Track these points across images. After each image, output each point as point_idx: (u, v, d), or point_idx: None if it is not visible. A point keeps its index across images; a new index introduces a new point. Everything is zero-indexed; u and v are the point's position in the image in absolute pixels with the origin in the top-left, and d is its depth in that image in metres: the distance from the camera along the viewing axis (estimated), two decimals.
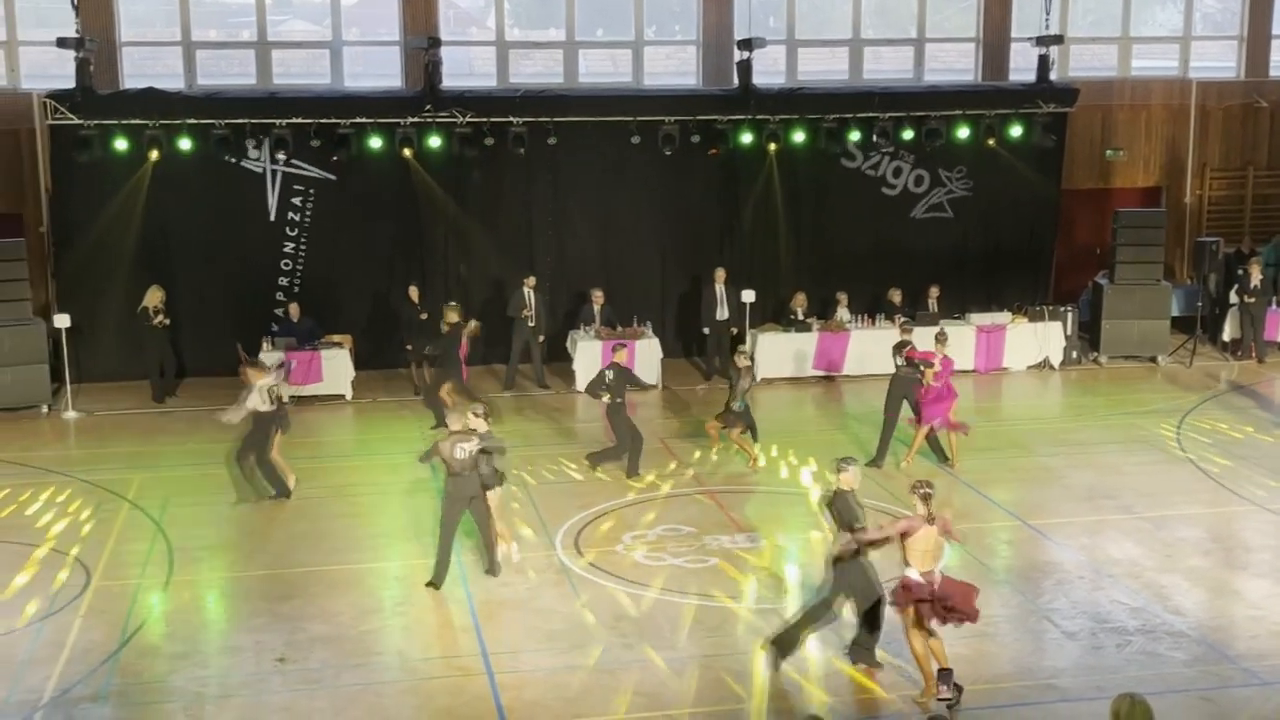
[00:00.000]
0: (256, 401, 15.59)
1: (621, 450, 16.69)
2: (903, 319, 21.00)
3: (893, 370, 17.40)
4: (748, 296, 21.54)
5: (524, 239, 22.64)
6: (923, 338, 21.36)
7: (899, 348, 17.37)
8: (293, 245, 21.96)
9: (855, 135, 22.43)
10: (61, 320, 19.84)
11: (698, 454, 17.52)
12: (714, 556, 14.05)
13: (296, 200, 21.86)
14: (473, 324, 18.79)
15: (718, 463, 17.22)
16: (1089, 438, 18.54)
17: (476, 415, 13.37)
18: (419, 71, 21.91)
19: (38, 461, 17.54)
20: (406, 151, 21.19)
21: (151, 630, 12.34)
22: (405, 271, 21.98)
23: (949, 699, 7.63)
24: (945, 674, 7.54)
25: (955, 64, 25.18)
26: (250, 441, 15.75)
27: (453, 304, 19.22)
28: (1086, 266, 24.61)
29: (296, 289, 21.86)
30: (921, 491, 10.89)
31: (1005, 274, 23.95)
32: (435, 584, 13.07)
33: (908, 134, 22.58)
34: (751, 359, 18.70)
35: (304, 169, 21.74)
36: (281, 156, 21.31)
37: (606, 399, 16.66)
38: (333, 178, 21.81)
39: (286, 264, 21.96)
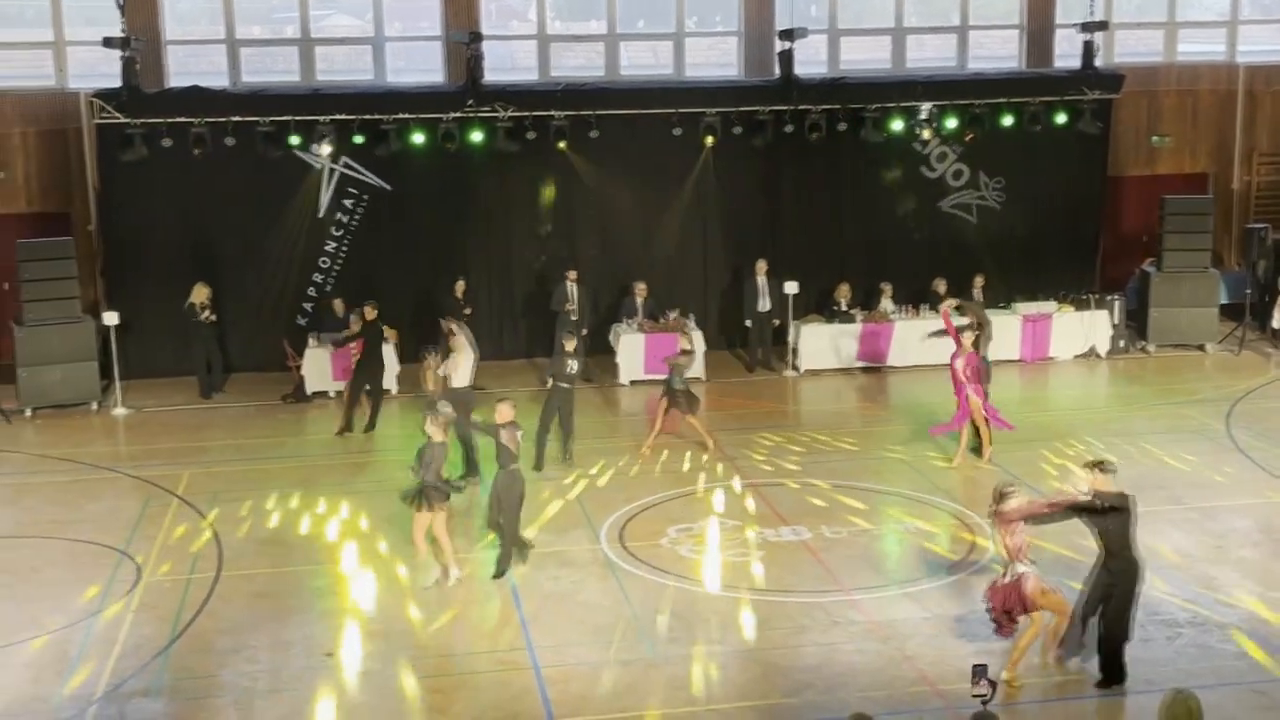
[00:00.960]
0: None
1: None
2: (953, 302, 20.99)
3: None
4: (790, 288, 21.48)
5: (566, 232, 22.67)
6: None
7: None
8: (335, 244, 22.07)
9: (898, 124, 22.30)
10: (110, 318, 20.03)
11: (665, 453, 17.46)
12: (759, 549, 14.05)
13: (348, 202, 21.98)
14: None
15: (763, 457, 17.16)
16: (1136, 427, 18.39)
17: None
18: (461, 66, 21.96)
19: (88, 458, 17.74)
20: (449, 146, 21.26)
21: (202, 625, 12.47)
22: (449, 266, 22.05)
23: (984, 694, 7.58)
24: (980, 669, 7.50)
25: (999, 51, 24.97)
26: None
27: (371, 302, 19.10)
28: (1133, 254, 24.36)
29: (329, 286, 21.99)
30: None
31: (1051, 263, 23.72)
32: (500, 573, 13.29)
33: (951, 122, 22.44)
34: (691, 340, 18.73)
35: (361, 173, 21.88)
36: (344, 159, 21.51)
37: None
38: (388, 187, 21.95)
39: (324, 261, 22.08)
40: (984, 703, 7.62)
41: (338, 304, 20.71)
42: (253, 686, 11.17)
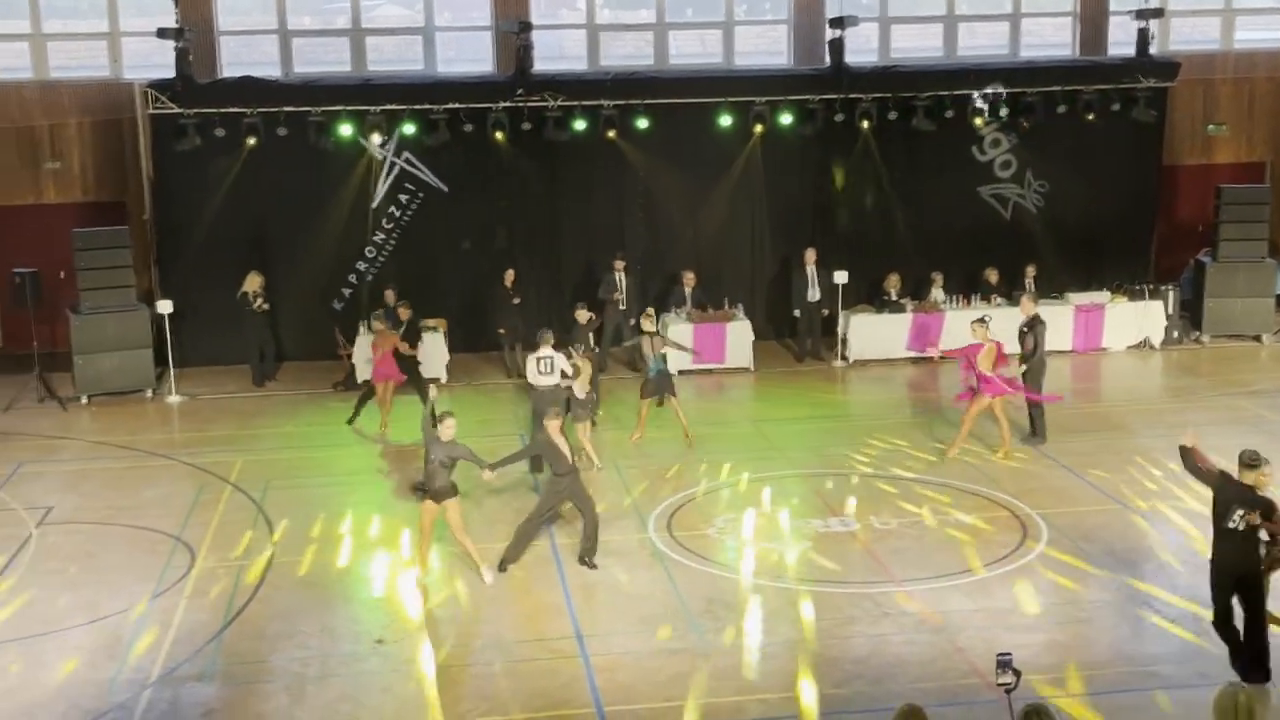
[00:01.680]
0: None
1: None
2: (999, 300, 20.87)
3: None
4: (840, 278, 21.39)
5: (614, 222, 22.67)
6: (1015, 318, 21.18)
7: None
8: (383, 235, 22.17)
9: (949, 113, 22.13)
10: (164, 306, 20.23)
11: (636, 435, 17.47)
12: (808, 540, 14.02)
13: (403, 197, 22.08)
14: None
15: (815, 447, 17.10)
16: (1191, 419, 18.11)
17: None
18: (510, 56, 22.01)
19: (143, 445, 17.93)
20: (498, 135, 21.31)
21: (254, 611, 12.59)
22: (499, 256, 22.13)
23: (1008, 684, 7.53)
24: (1005, 659, 7.45)
25: (1052, 39, 24.75)
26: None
27: (404, 302, 19.24)
28: (1188, 244, 24.09)
29: (371, 275, 22.10)
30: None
31: (1104, 252, 23.50)
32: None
33: (1005, 110, 22.25)
34: (658, 322, 18.60)
35: (420, 170, 22.00)
36: (405, 154, 21.70)
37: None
38: (444, 189, 22.06)
39: (370, 251, 22.19)
40: (1008, 691, 7.57)
41: (389, 294, 20.78)
42: (303, 672, 11.26)
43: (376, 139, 21.36)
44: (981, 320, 17.04)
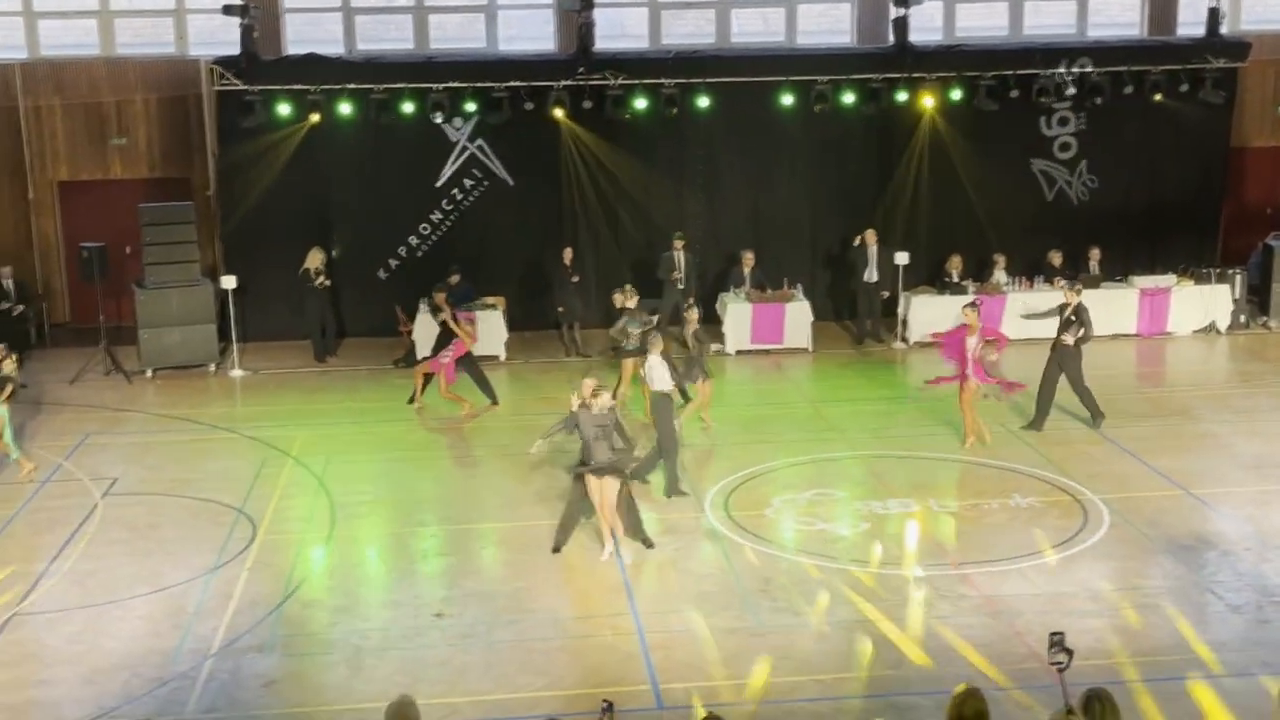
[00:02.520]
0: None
1: None
2: (1064, 281, 20.59)
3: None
4: (901, 259, 21.25)
5: (674, 201, 22.64)
6: (1084, 300, 20.89)
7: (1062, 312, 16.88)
8: (441, 215, 22.25)
9: (1014, 93, 21.89)
10: (228, 281, 20.43)
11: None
12: (865, 521, 13.96)
13: (468, 182, 22.20)
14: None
15: (873, 428, 17.01)
16: (1257, 405, 17.94)
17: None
18: (572, 34, 22.00)
19: (206, 418, 18.14)
20: (559, 114, 21.32)
21: (314, 584, 12.72)
22: (558, 234, 22.16)
23: (1060, 662, 7.45)
24: (1058, 636, 7.37)
25: (1120, 18, 24.41)
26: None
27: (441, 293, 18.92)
28: (1257, 227, 23.71)
29: (422, 251, 22.24)
30: None
31: (1170, 235, 23.19)
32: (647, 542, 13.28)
33: (1070, 90, 21.97)
34: (637, 294, 18.20)
35: (490, 160, 22.10)
36: (480, 141, 21.87)
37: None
38: (510, 182, 22.14)
39: (425, 228, 22.27)
40: (1060, 670, 7.51)
41: (455, 277, 20.86)
42: (363, 644, 11.36)
43: (455, 122, 21.52)
44: (973, 305, 16.78)
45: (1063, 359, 16.76)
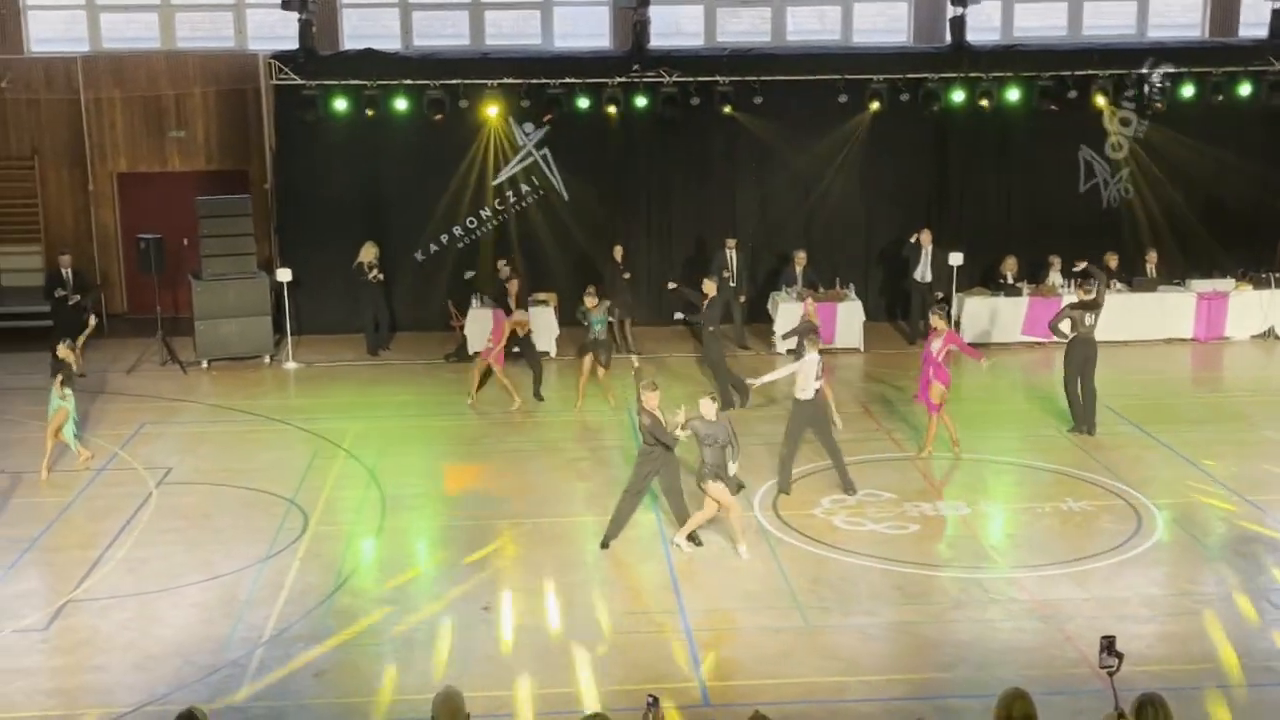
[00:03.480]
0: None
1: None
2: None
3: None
4: (956, 259, 21.11)
5: (727, 199, 22.61)
6: (1140, 304, 20.78)
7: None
8: (491, 212, 22.32)
9: (1072, 94, 21.69)
10: (283, 274, 20.60)
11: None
12: (915, 523, 13.89)
13: (525, 188, 22.32)
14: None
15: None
16: None
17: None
18: (627, 31, 22.03)
19: (260, 410, 18.30)
20: (612, 111, 21.34)
21: (364, 575, 12.81)
22: (609, 231, 22.20)
23: (1110, 667, 7.38)
24: (1108, 642, 7.30)
25: (1181, 19, 24.15)
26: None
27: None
28: None
29: (464, 243, 22.29)
30: None
31: (1229, 238, 22.90)
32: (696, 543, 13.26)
33: (1129, 92, 21.77)
34: (598, 296, 18.33)
35: (550, 171, 22.23)
36: (545, 151, 22.04)
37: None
38: (565, 196, 22.25)
39: (472, 221, 22.34)
40: (1110, 674, 7.44)
41: (504, 268, 20.95)
42: (411, 636, 11.43)
43: (526, 127, 21.84)
44: (940, 305, 16.57)
45: (1088, 355, 16.48)
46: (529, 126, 21.92)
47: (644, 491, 13.43)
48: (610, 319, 18.26)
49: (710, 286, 17.97)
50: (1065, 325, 16.52)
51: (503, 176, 22.20)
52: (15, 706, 10.23)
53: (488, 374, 18.16)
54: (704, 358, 18.37)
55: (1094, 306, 16.40)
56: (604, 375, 18.00)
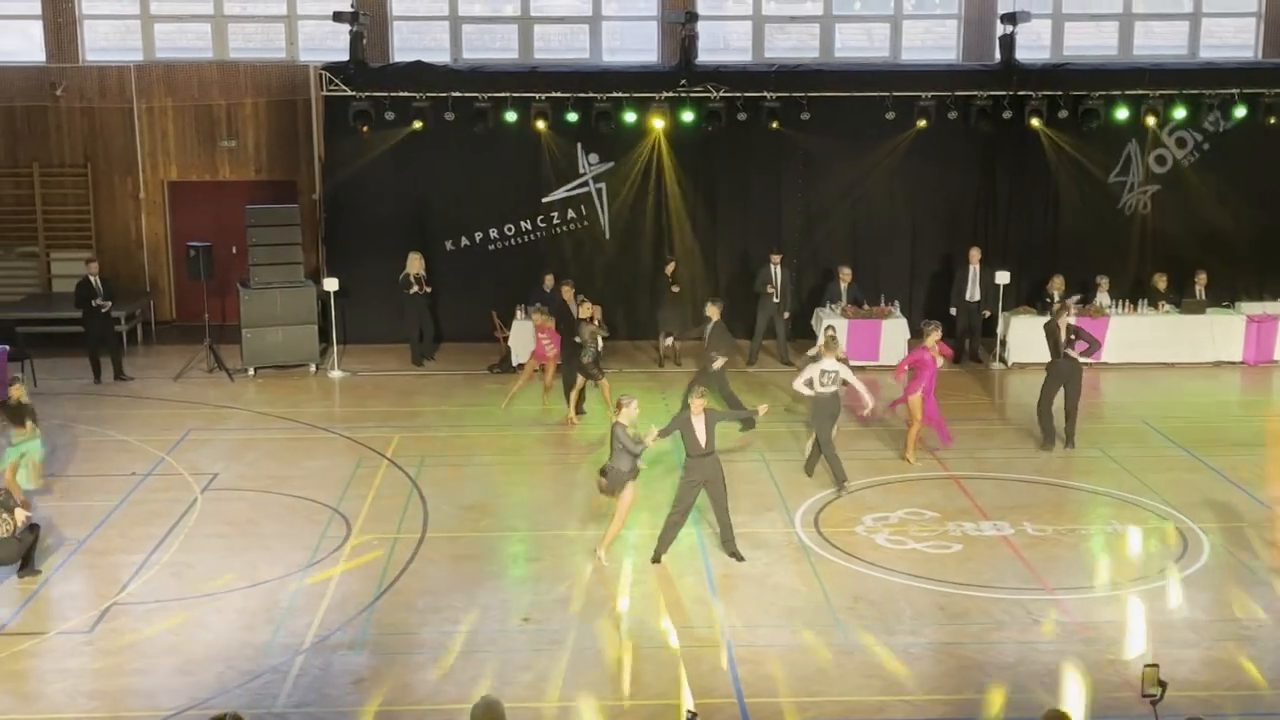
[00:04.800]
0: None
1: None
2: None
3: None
4: (1002, 278, 20.99)
5: (773, 214, 22.59)
6: (1189, 326, 20.60)
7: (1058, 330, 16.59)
8: (530, 226, 22.39)
9: (1123, 113, 21.57)
10: (330, 284, 20.74)
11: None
12: (958, 542, 13.80)
13: (571, 212, 22.45)
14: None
15: (968, 449, 16.79)
16: None
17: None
18: (675, 46, 22.09)
19: (305, 418, 18.42)
20: (659, 125, 21.38)
21: (405, 584, 12.85)
22: (659, 244, 22.25)
23: (1153, 695, 7.32)
24: (1152, 669, 7.23)
25: (1232, 40, 23.98)
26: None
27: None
28: None
29: (502, 245, 22.36)
30: None
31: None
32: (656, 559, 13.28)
33: (1179, 112, 21.62)
34: (589, 308, 18.37)
35: (600, 205, 22.40)
36: (599, 186, 22.24)
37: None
38: (608, 236, 22.38)
39: (509, 228, 22.43)
40: (1154, 702, 7.39)
41: (549, 279, 21.01)
42: (450, 646, 11.45)
43: (591, 157, 22.06)
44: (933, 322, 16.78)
45: (1071, 375, 16.45)
46: (594, 157, 22.05)
47: (689, 508, 13.40)
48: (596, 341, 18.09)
49: (713, 310, 17.87)
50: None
51: (554, 196, 22.29)
52: (58, 708, 10.33)
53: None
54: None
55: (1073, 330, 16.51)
56: (605, 386, 17.94)
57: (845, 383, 15.62)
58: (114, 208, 23.56)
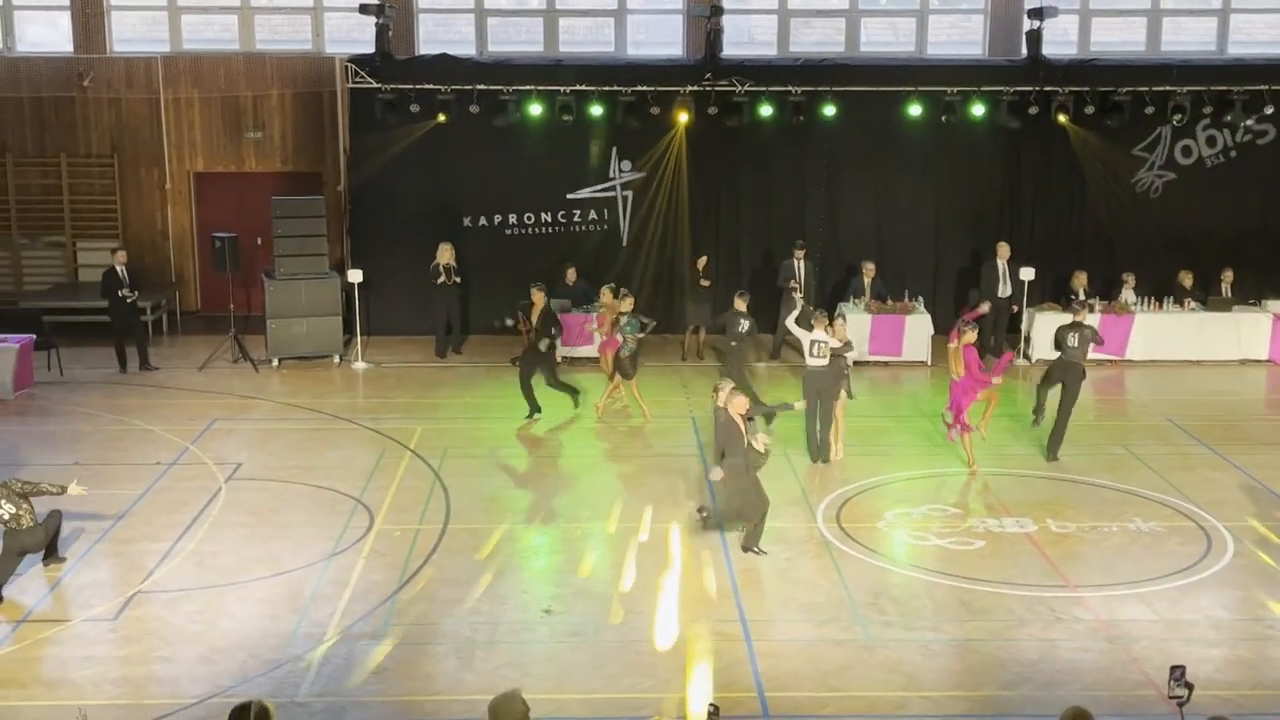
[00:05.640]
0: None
1: None
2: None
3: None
4: (1027, 274, 20.91)
5: (796, 209, 22.55)
6: (1214, 323, 20.51)
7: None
8: (550, 218, 22.43)
9: (1149, 109, 21.46)
10: (355, 275, 20.80)
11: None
12: (980, 539, 13.77)
13: (593, 214, 22.51)
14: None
15: (991, 445, 16.71)
16: None
17: None
18: (700, 39, 22.06)
19: (328, 408, 18.49)
20: (683, 119, 21.36)
21: (427, 575, 12.88)
22: (677, 238, 22.24)
23: (1180, 697, 7.29)
24: (1178, 671, 7.20)
25: (1262, 36, 23.80)
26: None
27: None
28: None
29: (509, 232, 22.40)
30: None
31: None
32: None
33: (1207, 109, 21.49)
34: (632, 298, 18.65)
35: (623, 214, 22.48)
36: (628, 195, 22.33)
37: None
38: (624, 241, 22.42)
39: (529, 217, 22.44)
40: (1180, 704, 7.35)
41: (571, 272, 21.02)
42: (473, 637, 11.49)
43: (624, 164, 22.17)
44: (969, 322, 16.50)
45: (1066, 374, 16.23)
46: (627, 164, 22.06)
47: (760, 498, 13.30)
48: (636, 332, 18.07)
49: (740, 303, 17.94)
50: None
51: (580, 195, 22.30)
52: (83, 694, 10.40)
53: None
54: (726, 370, 18.04)
55: (1077, 328, 16.21)
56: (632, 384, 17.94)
57: (842, 359, 16.01)
58: (140, 198, 23.67)
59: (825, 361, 15.87)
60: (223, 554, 13.25)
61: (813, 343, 15.93)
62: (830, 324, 16.21)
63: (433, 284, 21.03)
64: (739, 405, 13.15)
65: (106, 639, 11.44)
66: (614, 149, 22.06)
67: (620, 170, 22.24)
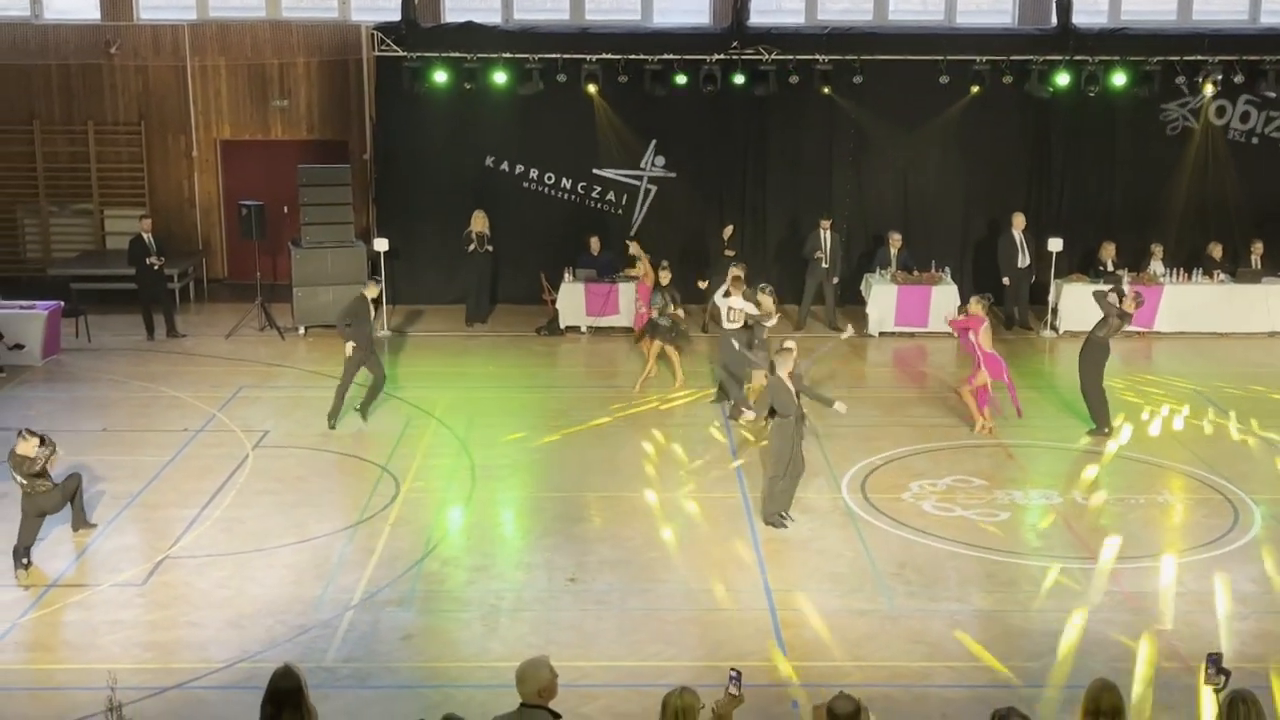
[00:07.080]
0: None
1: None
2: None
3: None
4: (1054, 245, 20.78)
5: (823, 179, 22.44)
6: (1243, 295, 20.36)
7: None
8: (571, 184, 22.34)
9: (1179, 79, 21.25)
10: (380, 244, 20.81)
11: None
12: (1005, 511, 13.74)
13: (611, 196, 22.42)
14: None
15: (1016, 418, 16.63)
16: None
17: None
18: (727, 8, 21.93)
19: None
20: (710, 89, 21.26)
21: (453, 542, 12.95)
22: (705, 208, 22.19)
23: (1217, 684, 7.26)
24: (1215, 658, 7.16)
25: None
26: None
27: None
28: None
29: (530, 185, 22.30)
30: None
31: None
32: None
33: (1238, 79, 21.26)
34: (654, 264, 18.98)
35: (640, 204, 22.41)
36: (652, 187, 22.29)
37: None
38: (634, 230, 22.17)
39: (550, 177, 22.34)
40: (1217, 691, 7.33)
41: (594, 241, 21.00)
42: (498, 604, 11.55)
43: (659, 160, 22.17)
44: (983, 295, 16.46)
45: (1097, 354, 15.96)
46: (661, 160, 22.02)
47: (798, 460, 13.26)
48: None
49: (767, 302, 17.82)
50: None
51: (606, 173, 22.24)
52: (113, 658, 10.49)
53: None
54: (720, 358, 17.83)
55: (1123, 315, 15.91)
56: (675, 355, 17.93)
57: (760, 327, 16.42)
58: (167, 166, 23.72)
59: (738, 325, 16.57)
60: (250, 520, 13.34)
61: (728, 309, 16.67)
62: (756, 296, 16.64)
63: (464, 251, 21.02)
64: (787, 365, 13.08)
65: (135, 604, 11.54)
66: (654, 142, 21.96)
67: (654, 164, 22.16)
